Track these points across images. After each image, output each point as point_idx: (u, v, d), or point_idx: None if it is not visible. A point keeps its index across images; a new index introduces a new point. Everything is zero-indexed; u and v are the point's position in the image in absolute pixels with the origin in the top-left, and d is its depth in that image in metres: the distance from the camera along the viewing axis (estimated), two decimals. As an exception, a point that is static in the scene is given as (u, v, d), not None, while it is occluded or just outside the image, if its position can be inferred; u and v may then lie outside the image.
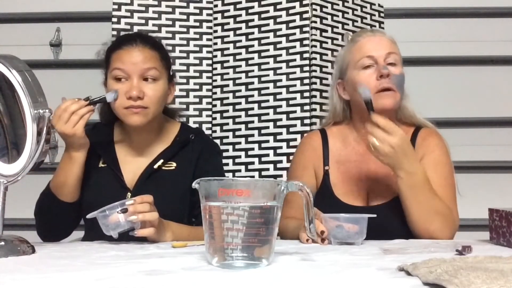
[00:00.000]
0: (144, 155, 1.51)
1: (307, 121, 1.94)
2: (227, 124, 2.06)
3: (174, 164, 1.50)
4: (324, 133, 1.56)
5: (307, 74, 1.95)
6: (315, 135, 1.57)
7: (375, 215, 1.22)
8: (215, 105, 2.08)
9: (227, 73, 2.07)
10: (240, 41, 2.06)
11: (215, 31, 2.11)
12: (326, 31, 2.02)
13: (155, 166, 1.47)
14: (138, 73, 1.42)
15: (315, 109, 1.95)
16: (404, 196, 1.34)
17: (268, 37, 2.03)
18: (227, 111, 2.06)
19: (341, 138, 1.55)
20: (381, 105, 1.39)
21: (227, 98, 2.06)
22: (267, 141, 1.98)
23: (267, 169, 1.97)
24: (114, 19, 2.04)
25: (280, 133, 1.96)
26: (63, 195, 1.41)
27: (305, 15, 1.98)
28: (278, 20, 2.02)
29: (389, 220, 1.34)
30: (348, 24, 2.10)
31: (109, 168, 1.49)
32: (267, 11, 2.04)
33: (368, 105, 1.34)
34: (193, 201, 1.46)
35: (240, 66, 2.06)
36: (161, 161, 1.48)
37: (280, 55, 2.00)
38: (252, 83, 2.03)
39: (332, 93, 1.57)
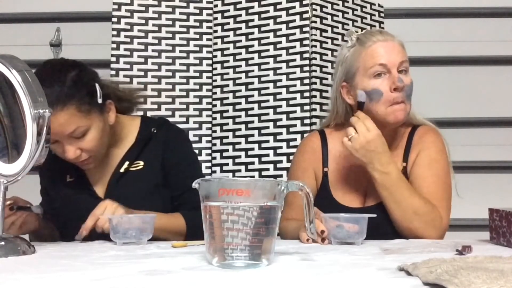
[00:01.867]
0: (109, 159, 1.47)
1: (307, 121, 1.94)
2: (227, 124, 2.06)
3: (142, 163, 1.46)
4: (323, 134, 1.56)
5: (307, 74, 1.95)
6: (315, 137, 1.56)
7: (375, 215, 1.22)
8: (215, 105, 2.08)
9: (227, 73, 2.07)
10: (240, 41, 2.06)
11: (215, 31, 2.11)
12: (326, 31, 2.02)
13: (122, 170, 1.44)
14: (64, 138, 1.32)
15: (315, 109, 1.95)
16: (381, 196, 1.36)
17: (268, 37, 2.03)
18: (227, 111, 2.06)
19: (339, 140, 1.51)
20: (394, 119, 1.40)
21: (227, 98, 2.06)
22: (267, 141, 1.98)
23: (267, 169, 1.97)
24: (114, 19, 2.04)
25: (280, 133, 1.96)
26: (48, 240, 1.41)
27: (305, 15, 1.98)
28: (278, 20, 2.02)
29: (382, 220, 1.33)
30: (348, 24, 2.10)
31: (77, 182, 1.46)
32: (267, 11, 2.04)
33: (360, 106, 1.40)
34: (167, 195, 1.45)
35: (240, 66, 2.06)
36: (127, 163, 1.45)
37: (280, 55, 2.00)
38: (252, 83, 2.03)
39: (336, 94, 1.53)
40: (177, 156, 1.48)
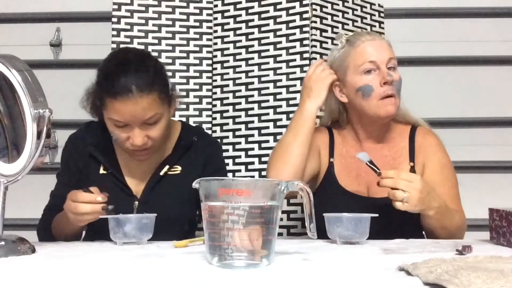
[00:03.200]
0: (146, 162, 1.46)
1: (307, 121, 1.93)
2: (227, 124, 2.06)
3: (179, 168, 1.48)
4: (330, 130, 1.61)
5: (307, 74, 1.95)
6: (324, 129, 1.62)
7: (377, 215, 1.23)
8: (215, 105, 2.08)
9: (227, 73, 2.07)
10: (240, 41, 2.06)
11: (215, 31, 2.11)
12: (326, 31, 2.02)
13: (161, 173, 1.45)
14: (138, 124, 1.34)
15: (315, 109, 1.95)
16: (430, 227, 1.37)
17: (268, 37, 2.03)
18: (227, 111, 2.06)
19: (341, 136, 1.60)
20: (385, 112, 1.45)
21: (227, 98, 2.06)
22: (267, 141, 1.98)
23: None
24: (114, 19, 2.04)
25: (280, 133, 1.96)
26: (61, 238, 1.39)
27: (305, 15, 1.98)
28: (278, 20, 2.02)
29: (390, 215, 1.34)
30: (348, 24, 2.10)
31: (112, 176, 1.45)
32: (267, 11, 2.04)
33: (372, 165, 1.33)
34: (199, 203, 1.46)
35: (240, 66, 2.05)
36: (167, 167, 1.46)
37: (280, 55, 2.00)
38: (252, 83, 2.03)
39: (329, 95, 1.56)
40: (215, 164, 1.52)
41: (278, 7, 2.02)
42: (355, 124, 1.56)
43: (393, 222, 1.33)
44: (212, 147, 1.57)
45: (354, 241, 1.21)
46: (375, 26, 2.20)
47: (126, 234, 1.19)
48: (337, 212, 1.25)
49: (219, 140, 2.03)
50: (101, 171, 1.46)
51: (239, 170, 2.01)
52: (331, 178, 1.52)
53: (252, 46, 2.05)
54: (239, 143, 2.03)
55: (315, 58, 1.96)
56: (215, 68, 2.09)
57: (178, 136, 1.53)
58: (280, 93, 1.98)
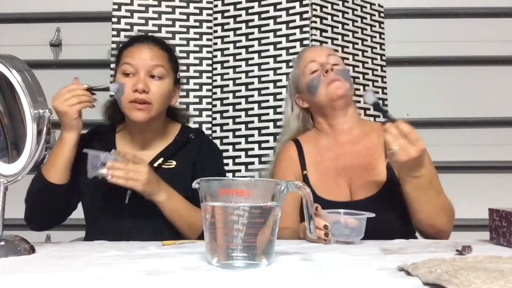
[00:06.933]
0: (145, 153, 1.51)
1: (307, 121, 1.93)
2: (227, 124, 2.06)
3: (174, 163, 1.51)
4: (297, 142, 1.61)
5: (307, 74, 1.95)
6: (290, 145, 1.61)
7: (373, 215, 1.22)
8: (215, 105, 2.08)
9: (227, 73, 2.07)
10: (240, 41, 2.07)
11: (215, 31, 2.11)
12: (326, 31, 2.02)
13: (155, 164, 1.48)
14: (145, 69, 1.45)
15: (315, 109, 1.95)
16: (410, 197, 1.34)
17: (268, 37, 2.03)
18: (227, 111, 2.06)
19: (312, 143, 1.60)
20: (334, 94, 1.52)
21: (227, 98, 2.06)
22: (267, 141, 1.98)
23: (267, 169, 1.97)
24: (114, 19, 2.04)
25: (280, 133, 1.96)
26: (52, 177, 1.40)
27: (305, 15, 1.98)
28: (278, 20, 2.02)
29: (377, 213, 1.33)
30: (348, 24, 2.10)
31: None
32: (267, 11, 2.04)
33: (376, 107, 1.35)
34: (192, 200, 1.45)
35: (240, 66, 2.06)
36: (161, 159, 1.49)
37: (280, 55, 2.00)
38: (252, 83, 2.03)
39: (292, 112, 1.68)
40: (208, 163, 1.54)
41: (278, 7, 2.02)
42: (322, 123, 1.60)
43: (380, 223, 1.28)
44: (208, 146, 1.59)
45: (349, 240, 1.20)
46: (375, 26, 2.20)
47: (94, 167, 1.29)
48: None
49: (219, 140, 2.03)
50: None
51: (239, 170, 2.01)
52: None
53: (252, 46, 2.05)
54: (239, 143, 2.03)
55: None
56: (215, 68, 2.09)
57: (177, 133, 1.57)
58: (280, 93, 1.98)
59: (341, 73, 1.56)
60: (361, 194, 1.45)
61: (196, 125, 2.00)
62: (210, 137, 2.05)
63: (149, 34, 1.61)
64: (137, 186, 1.32)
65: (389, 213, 1.38)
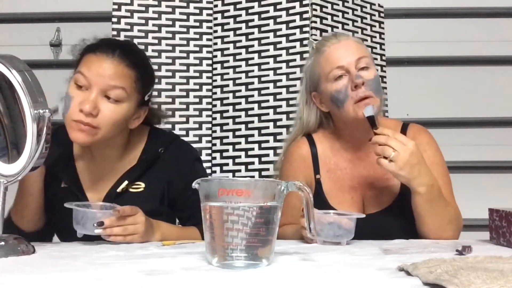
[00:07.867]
0: (108, 174, 1.36)
1: (307, 121, 1.93)
2: (227, 124, 2.06)
3: (143, 185, 1.35)
4: (311, 139, 1.49)
5: (307, 74, 1.95)
6: (303, 143, 1.49)
7: (363, 215, 1.22)
8: (215, 105, 2.08)
9: (227, 73, 2.07)
10: (240, 41, 2.06)
11: (215, 31, 2.11)
12: (326, 31, 2.02)
13: (119, 190, 1.33)
14: (100, 87, 1.25)
15: (315, 109, 1.95)
16: (420, 209, 1.30)
17: (268, 37, 2.03)
18: (227, 111, 2.06)
19: (328, 145, 1.49)
20: (362, 115, 1.34)
21: (227, 98, 2.06)
22: (267, 141, 1.98)
23: (267, 169, 1.97)
24: (114, 19, 2.04)
25: (280, 133, 1.96)
26: (25, 227, 1.32)
27: (305, 15, 1.98)
28: (278, 20, 2.02)
29: (388, 227, 1.33)
30: (348, 24, 2.10)
31: (72, 191, 1.36)
32: (267, 11, 2.04)
33: (371, 121, 1.31)
34: (170, 217, 1.38)
35: (240, 66, 2.06)
36: (126, 182, 1.33)
37: (280, 55, 2.00)
38: (252, 83, 2.03)
39: (307, 106, 1.51)
40: (185, 180, 1.30)
41: (278, 7, 2.02)
42: (342, 130, 1.46)
43: (392, 236, 1.28)
44: (181, 158, 1.40)
45: (337, 241, 1.18)
46: (375, 26, 2.20)
47: (85, 226, 1.16)
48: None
49: (219, 140, 2.03)
50: (63, 184, 1.37)
51: (239, 170, 2.01)
52: (319, 199, 1.40)
53: (252, 46, 2.05)
54: (239, 143, 2.03)
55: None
56: (215, 68, 2.09)
57: (143, 147, 1.39)
58: (280, 93, 1.98)
59: (372, 85, 1.37)
60: (373, 207, 1.41)
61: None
62: (210, 137, 2.06)
63: (128, 40, 1.37)
64: (136, 240, 1.19)
65: (400, 227, 1.35)
